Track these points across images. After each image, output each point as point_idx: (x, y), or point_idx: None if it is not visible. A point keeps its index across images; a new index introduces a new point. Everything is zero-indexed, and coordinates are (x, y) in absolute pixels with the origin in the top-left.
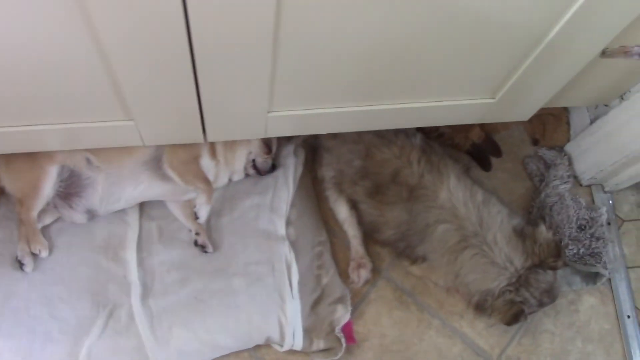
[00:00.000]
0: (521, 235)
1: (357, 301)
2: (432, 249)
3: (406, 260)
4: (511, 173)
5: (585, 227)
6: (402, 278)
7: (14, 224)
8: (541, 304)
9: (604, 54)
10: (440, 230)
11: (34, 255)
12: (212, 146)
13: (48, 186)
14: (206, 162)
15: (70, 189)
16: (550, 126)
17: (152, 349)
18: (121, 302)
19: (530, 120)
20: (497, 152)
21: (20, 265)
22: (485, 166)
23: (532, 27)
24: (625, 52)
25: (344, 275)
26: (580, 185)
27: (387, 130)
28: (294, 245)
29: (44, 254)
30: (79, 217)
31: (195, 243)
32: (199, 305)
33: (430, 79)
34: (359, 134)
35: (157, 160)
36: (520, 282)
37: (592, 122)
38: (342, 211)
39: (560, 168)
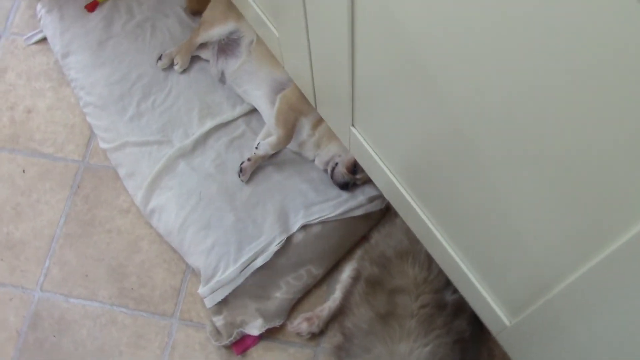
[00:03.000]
0: None
1: (278, 337)
2: None
3: None
4: None
5: None
6: None
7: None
8: None
9: None
10: None
11: (171, 65)
12: (319, 121)
13: (219, 31)
14: (304, 125)
15: (227, 47)
16: None
17: (146, 186)
18: (170, 142)
19: None
20: None
21: (158, 59)
22: None
23: (552, 261)
24: None
25: (296, 311)
26: None
27: None
28: (289, 242)
29: (178, 69)
30: (214, 70)
31: (241, 164)
32: (196, 201)
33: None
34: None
35: (280, 87)
36: None
37: None
38: (346, 272)
39: None
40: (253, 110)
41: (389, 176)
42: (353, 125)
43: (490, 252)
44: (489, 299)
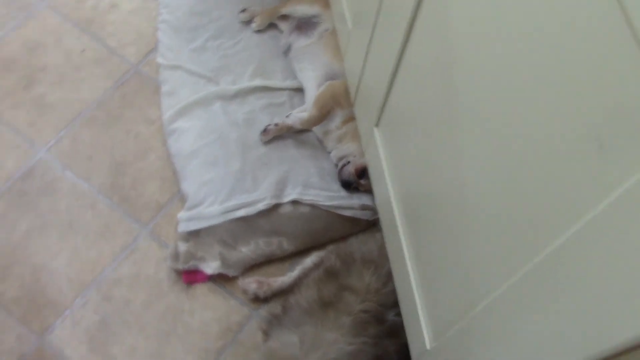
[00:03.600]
0: None
1: (226, 285)
2: (278, 339)
3: (264, 331)
4: None
5: None
6: (249, 340)
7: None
8: None
9: None
10: (287, 341)
11: (249, 22)
12: (350, 119)
13: (304, 10)
14: (336, 116)
15: (303, 25)
16: None
17: (178, 108)
18: (217, 83)
19: None
20: None
21: (242, 11)
22: None
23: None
24: None
25: (252, 272)
26: None
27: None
28: (276, 209)
29: (255, 27)
30: (284, 41)
31: (267, 125)
32: (215, 138)
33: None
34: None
35: (333, 76)
36: None
37: None
38: (311, 257)
39: None
40: (299, 89)
41: (389, 193)
42: (377, 125)
43: (441, 281)
44: (422, 319)
